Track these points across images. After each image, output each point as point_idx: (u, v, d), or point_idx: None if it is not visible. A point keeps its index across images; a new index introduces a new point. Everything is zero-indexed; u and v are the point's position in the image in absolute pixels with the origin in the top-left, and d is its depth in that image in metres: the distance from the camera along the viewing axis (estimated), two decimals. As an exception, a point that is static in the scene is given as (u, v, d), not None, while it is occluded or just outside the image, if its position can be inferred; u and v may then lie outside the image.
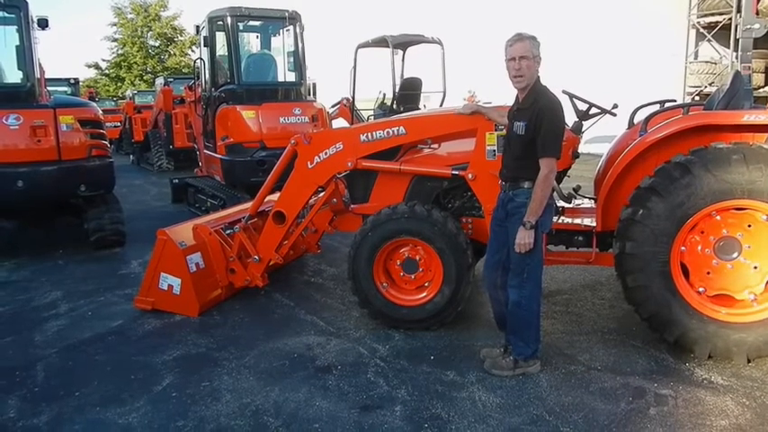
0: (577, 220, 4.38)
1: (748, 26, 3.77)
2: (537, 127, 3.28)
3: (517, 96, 3.48)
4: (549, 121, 3.27)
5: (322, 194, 4.62)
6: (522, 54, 3.29)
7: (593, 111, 4.19)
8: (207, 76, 8.62)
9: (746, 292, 3.60)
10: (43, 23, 6.57)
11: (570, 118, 4.22)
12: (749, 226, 3.55)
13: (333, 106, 12.20)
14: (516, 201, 3.44)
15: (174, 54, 34.61)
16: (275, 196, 4.89)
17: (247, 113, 7.80)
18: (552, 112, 3.28)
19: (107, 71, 35.52)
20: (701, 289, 3.65)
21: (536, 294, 3.50)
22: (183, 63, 33.20)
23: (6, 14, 6.32)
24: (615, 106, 4.13)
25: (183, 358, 3.91)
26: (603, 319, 4.43)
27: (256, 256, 4.74)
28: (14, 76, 6.45)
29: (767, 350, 3.54)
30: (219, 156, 8.03)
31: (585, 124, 4.24)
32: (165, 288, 4.62)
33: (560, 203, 4.44)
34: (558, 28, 16.05)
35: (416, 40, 11.43)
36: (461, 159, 4.24)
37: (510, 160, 3.52)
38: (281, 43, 8.82)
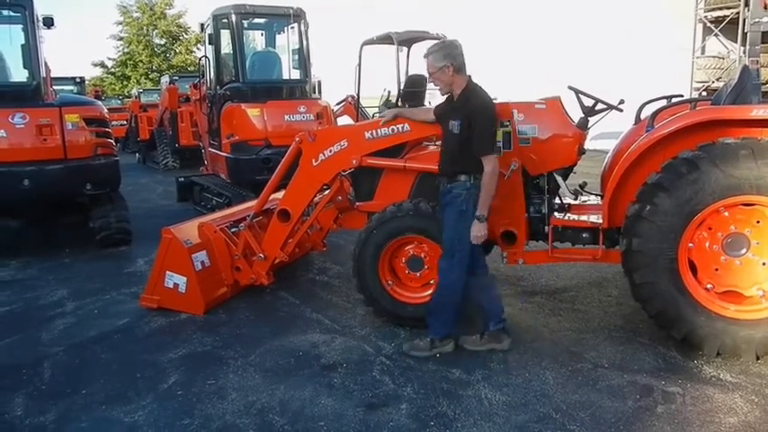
0: (584, 217, 4.35)
1: (756, 20, 3.75)
2: (471, 127, 3.50)
3: (452, 94, 3.68)
4: (481, 122, 3.50)
5: (327, 192, 4.61)
6: (429, 71, 3.61)
7: (600, 107, 4.16)
8: (212, 74, 8.61)
9: (755, 288, 3.57)
10: (49, 22, 6.58)
11: (576, 114, 4.21)
12: (758, 222, 3.52)
13: (338, 104, 12.18)
14: (453, 192, 3.63)
15: (180, 52, 34.70)
16: (280, 194, 4.89)
17: (252, 111, 7.79)
18: (484, 112, 3.54)
19: (113, 70, 35.64)
20: (708, 286, 3.62)
21: (461, 280, 3.66)
22: (188, 61, 33.28)
23: (12, 13, 6.34)
24: (622, 102, 4.10)
25: (188, 356, 3.92)
26: (610, 316, 4.41)
27: (261, 254, 4.74)
28: (20, 74, 6.47)
29: (776, 347, 3.51)
30: (225, 154, 8.03)
31: (592, 120, 4.22)
32: (171, 286, 4.63)
33: (567, 200, 4.41)
34: (564, 23, 16.00)
35: (421, 36, 11.34)
36: (466, 156, 4.22)
37: (447, 157, 3.72)
38: (286, 41, 8.80)
